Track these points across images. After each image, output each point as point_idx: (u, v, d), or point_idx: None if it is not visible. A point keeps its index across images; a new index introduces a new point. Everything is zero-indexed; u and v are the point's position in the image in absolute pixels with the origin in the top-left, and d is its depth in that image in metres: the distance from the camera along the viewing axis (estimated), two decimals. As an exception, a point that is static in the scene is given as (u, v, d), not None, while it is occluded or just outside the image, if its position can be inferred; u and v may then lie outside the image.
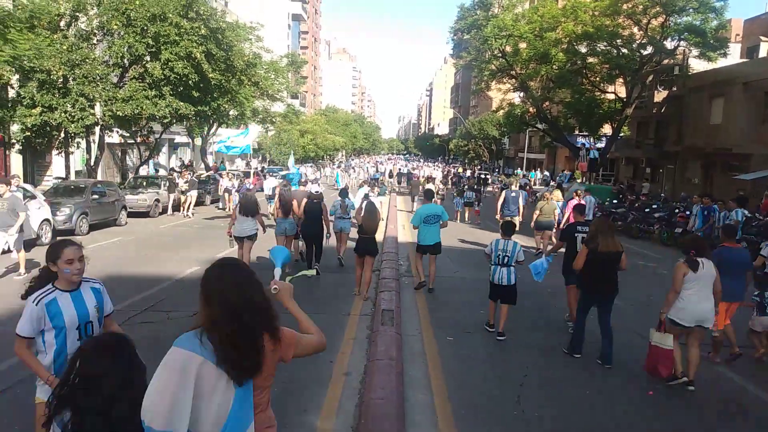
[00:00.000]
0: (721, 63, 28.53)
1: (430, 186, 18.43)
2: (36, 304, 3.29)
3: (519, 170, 52.93)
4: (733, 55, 31.68)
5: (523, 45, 32.44)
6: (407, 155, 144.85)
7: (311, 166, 47.87)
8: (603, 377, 6.55)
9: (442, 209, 10.51)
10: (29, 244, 12.95)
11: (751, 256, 7.57)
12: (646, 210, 20.95)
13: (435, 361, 6.77)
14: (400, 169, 45.45)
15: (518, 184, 22.44)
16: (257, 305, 2.38)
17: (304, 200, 11.21)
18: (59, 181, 20.97)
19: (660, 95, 34.76)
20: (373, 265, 9.72)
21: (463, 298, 10.09)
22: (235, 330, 2.30)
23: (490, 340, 7.70)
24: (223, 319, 2.30)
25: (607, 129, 36.28)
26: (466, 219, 21.44)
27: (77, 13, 19.23)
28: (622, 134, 35.32)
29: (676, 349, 6.21)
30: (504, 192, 17.29)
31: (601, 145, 35.56)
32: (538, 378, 6.42)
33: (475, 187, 23.49)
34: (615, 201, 23.59)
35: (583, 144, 36.29)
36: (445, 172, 43.82)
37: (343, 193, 12.69)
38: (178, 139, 39.14)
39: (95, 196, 16.53)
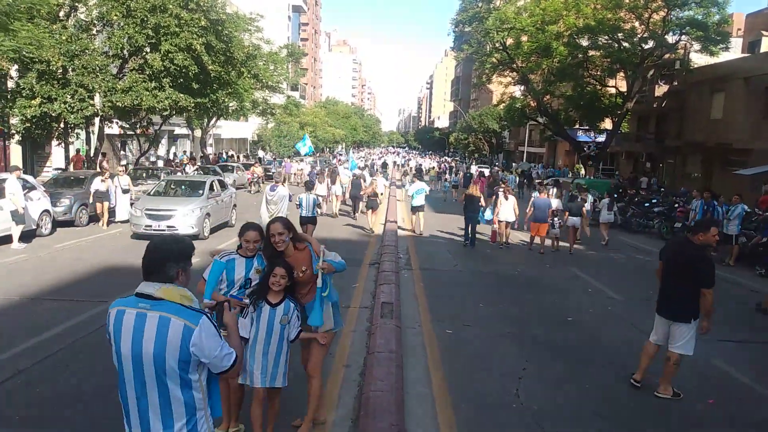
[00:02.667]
0: (722, 57, 28.44)
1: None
2: (221, 259, 4.47)
3: (515, 164, 52.98)
4: (735, 50, 31.61)
5: (524, 38, 32.28)
6: (406, 148, 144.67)
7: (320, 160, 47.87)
8: (603, 372, 6.57)
9: (425, 185, 17.56)
10: (29, 235, 12.99)
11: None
12: (646, 205, 20.96)
13: (435, 353, 6.79)
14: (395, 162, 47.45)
15: (551, 191, 19.02)
16: None
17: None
18: (59, 172, 20.97)
19: (661, 89, 34.67)
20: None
21: (462, 291, 10.11)
22: None
23: (489, 334, 7.73)
24: None
25: (607, 123, 36.20)
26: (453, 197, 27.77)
27: (77, 3, 19.12)
28: (622, 129, 35.26)
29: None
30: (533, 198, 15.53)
31: (601, 139, 35.50)
32: (537, 371, 6.44)
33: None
34: (615, 195, 23.59)
35: (587, 141, 36.24)
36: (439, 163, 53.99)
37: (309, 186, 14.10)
38: (177, 130, 39.08)
39: (95, 188, 16.47)
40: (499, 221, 14.67)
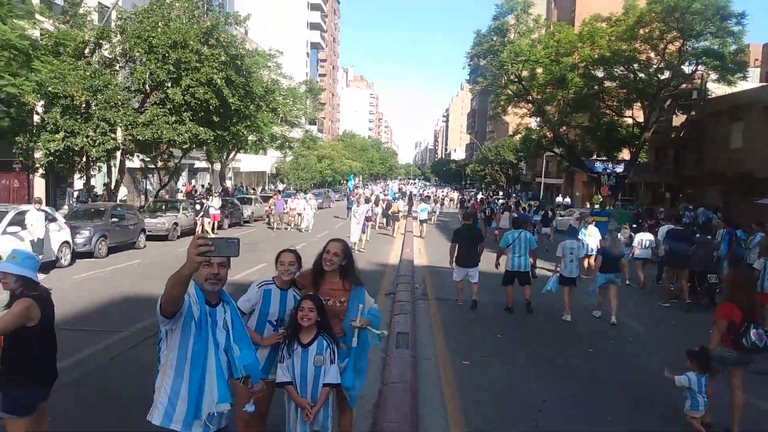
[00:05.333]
0: (740, 87, 28.30)
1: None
2: (258, 288, 4.18)
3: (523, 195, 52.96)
4: (753, 79, 31.45)
5: (539, 70, 32.52)
6: (423, 179, 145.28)
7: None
8: (626, 403, 6.35)
9: (427, 206, 26.48)
10: (49, 266, 13.13)
11: None
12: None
13: (451, 385, 6.63)
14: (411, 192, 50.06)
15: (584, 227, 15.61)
16: None
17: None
18: (78, 192, 21.46)
19: (678, 119, 34.49)
20: None
21: (480, 321, 9.93)
22: None
23: (507, 365, 7.55)
24: None
25: (625, 154, 36.00)
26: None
27: (101, 41, 19.74)
28: (640, 159, 35.03)
29: None
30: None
31: (619, 169, 35.26)
32: (557, 404, 6.24)
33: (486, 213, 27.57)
34: (634, 225, 23.25)
35: (605, 169, 36.01)
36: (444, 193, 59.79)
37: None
38: (197, 164, 39.71)
39: (115, 219, 16.73)
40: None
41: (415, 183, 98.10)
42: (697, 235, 12.57)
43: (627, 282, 13.42)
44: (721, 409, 5.66)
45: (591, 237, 14.25)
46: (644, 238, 14.23)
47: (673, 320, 10.81)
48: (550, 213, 24.09)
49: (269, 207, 29.28)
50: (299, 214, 26.06)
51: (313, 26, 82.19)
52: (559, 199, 48.28)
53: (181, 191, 34.87)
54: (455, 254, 10.85)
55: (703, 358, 5.43)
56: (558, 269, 10.37)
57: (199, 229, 21.31)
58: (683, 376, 5.45)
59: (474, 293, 10.70)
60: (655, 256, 14.04)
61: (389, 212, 25.81)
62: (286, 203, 26.55)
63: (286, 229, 25.72)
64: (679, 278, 12.31)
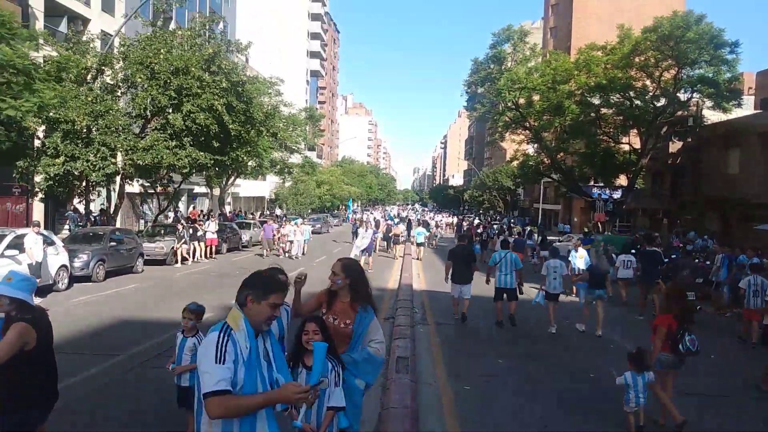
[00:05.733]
0: (735, 114, 28.62)
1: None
2: None
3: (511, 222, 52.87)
4: (747, 107, 31.82)
5: (536, 97, 32.94)
6: (421, 205, 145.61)
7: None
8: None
9: (424, 230, 27.19)
10: (46, 290, 13.06)
11: None
12: (666, 260, 20.58)
13: (452, 410, 6.55)
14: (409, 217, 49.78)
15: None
16: None
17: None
18: (76, 215, 21.44)
19: (675, 146, 34.80)
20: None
21: (480, 346, 9.87)
22: None
23: (508, 390, 7.46)
24: None
25: (622, 180, 36.22)
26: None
27: (103, 67, 19.94)
28: (637, 185, 35.24)
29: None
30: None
31: (617, 195, 35.42)
32: (559, 430, 6.16)
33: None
34: (633, 251, 23.24)
35: (600, 194, 36.19)
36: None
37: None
38: (196, 189, 39.77)
39: (113, 244, 16.68)
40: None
41: (413, 208, 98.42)
42: (673, 256, 13.61)
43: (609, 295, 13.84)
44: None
45: (581, 258, 15.22)
46: (626, 259, 15.23)
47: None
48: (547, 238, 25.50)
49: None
50: (290, 241, 24.49)
51: (313, 55, 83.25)
52: (561, 225, 48.34)
53: (178, 216, 34.82)
54: (450, 272, 11.82)
55: (639, 359, 5.96)
56: (543, 287, 11.41)
57: (190, 252, 21.16)
58: (622, 376, 5.98)
59: (464, 308, 11.58)
60: (636, 276, 14.78)
61: (389, 235, 27.17)
62: (276, 229, 25.27)
63: (277, 255, 24.43)
64: (651, 294, 13.63)
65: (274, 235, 24.81)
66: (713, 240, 23.07)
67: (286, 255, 24.64)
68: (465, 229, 34.10)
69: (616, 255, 17.71)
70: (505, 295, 11.42)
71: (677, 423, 5.82)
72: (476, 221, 49.41)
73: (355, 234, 27.40)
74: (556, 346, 10.12)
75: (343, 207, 69.28)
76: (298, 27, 77.18)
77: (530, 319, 11.82)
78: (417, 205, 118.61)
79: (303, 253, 24.64)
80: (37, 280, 12.49)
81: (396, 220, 37.66)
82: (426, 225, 33.88)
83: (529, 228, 36.68)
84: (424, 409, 6.43)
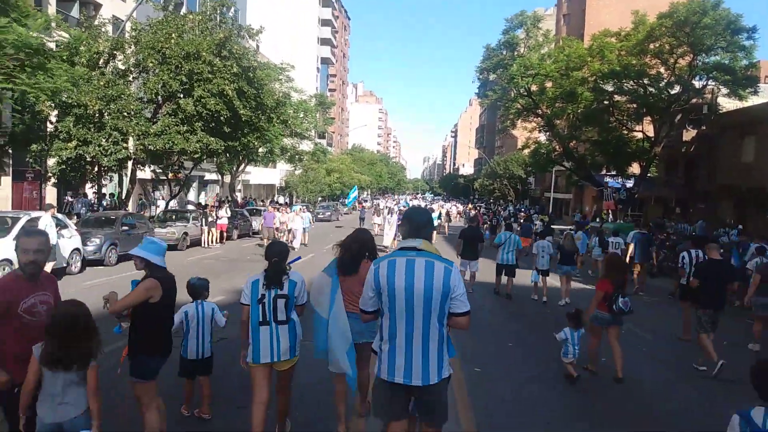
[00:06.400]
0: (750, 102, 28.17)
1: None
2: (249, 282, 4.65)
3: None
4: (764, 95, 31.30)
5: (549, 84, 32.60)
6: (431, 194, 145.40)
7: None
8: (639, 414, 6.24)
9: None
10: (59, 273, 13.18)
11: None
12: (678, 247, 20.45)
13: (463, 393, 6.53)
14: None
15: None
16: None
17: None
18: (81, 198, 21.74)
19: (689, 134, 34.35)
20: None
21: (489, 330, 9.85)
22: None
23: (518, 374, 7.45)
24: None
25: (635, 168, 35.88)
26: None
27: (115, 51, 19.97)
28: (650, 174, 34.89)
29: None
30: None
31: (629, 183, 35.09)
32: (571, 413, 6.14)
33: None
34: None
35: (607, 182, 35.91)
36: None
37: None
38: (207, 176, 39.94)
39: (125, 228, 16.80)
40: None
41: (424, 197, 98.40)
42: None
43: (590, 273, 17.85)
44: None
45: (579, 240, 17.61)
46: (614, 240, 16.95)
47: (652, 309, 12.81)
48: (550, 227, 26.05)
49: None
50: (290, 230, 22.62)
51: (324, 42, 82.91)
52: (577, 215, 47.98)
53: (193, 203, 35.00)
54: (460, 249, 13.47)
55: (576, 318, 7.31)
56: (535, 266, 13.03)
57: (205, 237, 21.36)
58: (562, 331, 7.20)
59: (472, 282, 13.27)
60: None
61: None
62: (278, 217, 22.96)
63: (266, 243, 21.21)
64: (641, 272, 15.88)
65: (275, 224, 22.77)
66: (732, 231, 22.57)
67: (290, 244, 23.36)
68: (473, 215, 34.23)
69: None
70: (504, 271, 13.21)
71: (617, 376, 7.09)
72: (483, 209, 49.85)
73: (362, 220, 30.03)
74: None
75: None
76: (309, 13, 76.85)
77: (538, 307, 12.27)
78: (427, 194, 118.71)
79: (304, 244, 22.78)
80: (51, 263, 12.64)
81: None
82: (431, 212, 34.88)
83: (532, 212, 37.79)
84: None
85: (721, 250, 12.70)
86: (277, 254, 4.54)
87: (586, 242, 18.95)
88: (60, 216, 14.75)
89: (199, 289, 5.74)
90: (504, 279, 13.28)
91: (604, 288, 7.30)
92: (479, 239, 13.83)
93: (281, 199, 49.49)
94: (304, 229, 22.98)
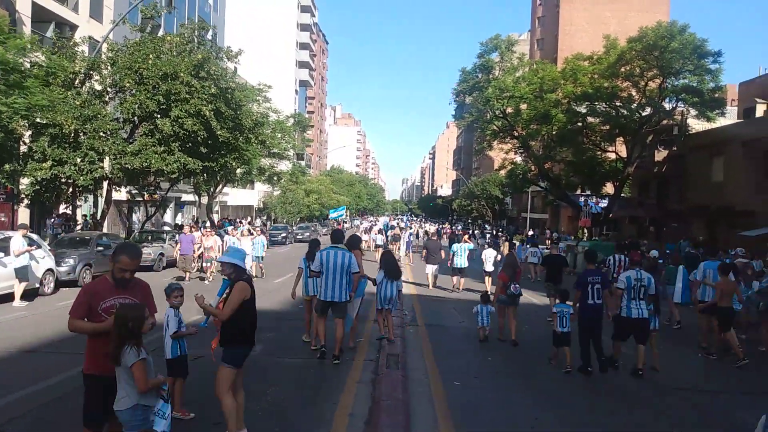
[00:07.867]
0: (719, 123, 29.05)
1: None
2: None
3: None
4: (730, 118, 32.31)
5: (523, 106, 33.18)
6: (410, 215, 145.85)
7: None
8: (617, 423, 6.31)
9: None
10: (32, 294, 12.90)
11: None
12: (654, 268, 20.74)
13: (442, 403, 6.55)
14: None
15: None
16: None
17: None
18: (59, 220, 21.33)
19: (661, 154, 35.19)
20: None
21: (469, 345, 9.93)
22: None
23: (499, 385, 7.49)
24: None
25: (609, 188, 36.55)
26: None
27: (91, 72, 19.83)
28: (623, 194, 35.56)
29: None
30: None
31: (603, 203, 35.71)
32: (550, 424, 6.19)
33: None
34: (623, 258, 23.35)
35: (586, 200, 36.48)
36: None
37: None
38: (184, 197, 39.57)
39: (100, 248, 16.54)
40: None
41: (402, 219, 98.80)
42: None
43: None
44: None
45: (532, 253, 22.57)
46: (531, 250, 22.82)
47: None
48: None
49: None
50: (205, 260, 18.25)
51: (302, 65, 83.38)
52: (565, 237, 48.49)
53: (168, 224, 34.58)
54: (426, 256, 17.91)
55: (485, 297, 10.41)
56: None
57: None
58: (477, 306, 10.25)
59: (433, 283, 17.75)
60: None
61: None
62: (199, 238, 18.55)
63: (202, 279, 17.89)
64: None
65: (195, 252, 18.11)
66: (700, 250, 23.04)
67: (199, 275, 18.65)
68: (433, 231, 34.94)
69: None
70: (458, 273, 17.38)
71: (511, 339, 9.89)
72: (459, 227, 52.36)
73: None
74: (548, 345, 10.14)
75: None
76: (287, 37, 77.46)
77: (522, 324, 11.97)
78: (404, 217, 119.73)
79: (260, 276, 18.17)
80: (24, 284, 12.34)
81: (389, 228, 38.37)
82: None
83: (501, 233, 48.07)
84: (415, 403, 6.43)
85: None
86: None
87: (520, 252, 23.62)
88: (33, 236, 14.47)
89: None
90: (454, 279, 17.47)
91: (503, 279, 10.20)
92: (439, 247, 18.67)
93: (258, 221, 49.16)
94: (254, 258, 18.04)
